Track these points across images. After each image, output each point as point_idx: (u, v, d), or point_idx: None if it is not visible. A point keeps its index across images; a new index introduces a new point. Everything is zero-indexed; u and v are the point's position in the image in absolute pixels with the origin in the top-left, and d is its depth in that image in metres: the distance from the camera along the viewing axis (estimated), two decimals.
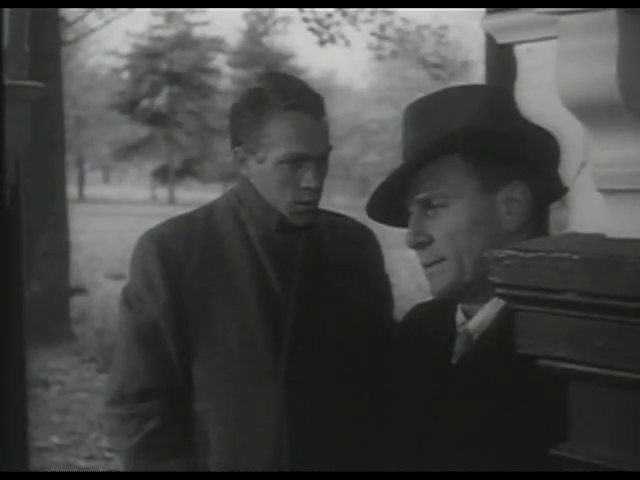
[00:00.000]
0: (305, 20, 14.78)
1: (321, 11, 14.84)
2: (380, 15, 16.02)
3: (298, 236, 2.29)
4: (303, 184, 2.23)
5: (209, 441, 2.27)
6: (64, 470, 6.15)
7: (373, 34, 16.18)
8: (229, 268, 2.28)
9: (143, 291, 2.29)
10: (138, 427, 2.26)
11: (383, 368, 2.10)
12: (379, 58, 18.50)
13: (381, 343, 2.19)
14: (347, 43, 15.34)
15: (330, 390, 2.25)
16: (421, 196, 1.72)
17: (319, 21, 14.78)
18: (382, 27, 16.17)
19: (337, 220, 2.46)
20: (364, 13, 15.68)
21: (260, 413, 2.23)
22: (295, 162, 2.22)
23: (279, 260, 2.28)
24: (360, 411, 2.21)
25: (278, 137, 2.22)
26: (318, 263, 2.32)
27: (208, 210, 2.37)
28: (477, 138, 1.70)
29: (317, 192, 2.26)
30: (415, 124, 1.76)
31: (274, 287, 2.27)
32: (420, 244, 1.73)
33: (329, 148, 2.29)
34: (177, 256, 2.28)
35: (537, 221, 1.73)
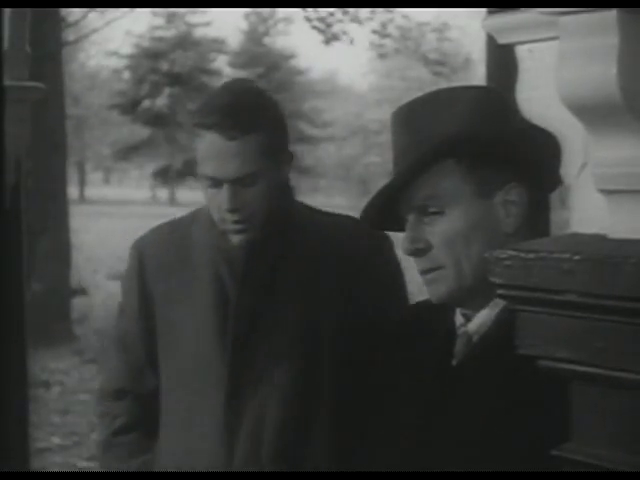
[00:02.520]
0: (308, 19, 14.82)
1: (323, 9, 14.90)
2: (381, 13, 16.04)
3: (258, 246, 2.23)
4: (223, 206, 2.16)
5: (161, 446, 2.31)
6: (65, 470, 6.15)
7: (374, 32, 16.20)
8: (195, 277, 2.27)
9: (125, 295, 2.37)
10: (109, 424, 2.37)
11: (352, 371, 2.11)
12: (381, 56, 18.50)
13: (358, 349, 2.16)
14: (351, 41, 15.38)
15: (280, 399, 2.20)
16: (417, 203, 1.70)
17: (322, 19, 14.83)
18: (383, 25, 16.19)
19: (332, 221, 2.34)
20: (365, 11, 15.70)
21: (202, 423, 2.23)
22: (211, 184, 2.16)
23: (236, 268, 2.23)
24: (315, 416, 2.21)
25: (198, 155, 2.17)
26: (282, 269, 2.24)
27: (192, 216, 2.37)
28: (470, 143, 1.68)
29: (242, 213, 2.16)
30: (405, 129, 1.73)
31: (229, 296, 2.23)
32: (418, 251, 1.71)
33: (250, 173, 2.14)
34: (152, 265, 2.32)
35: (535, 222, 1.72)
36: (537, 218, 1.74)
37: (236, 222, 2.17)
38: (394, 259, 2.33)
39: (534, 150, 1.56)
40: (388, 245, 2.32)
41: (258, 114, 2.17)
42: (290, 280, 2.25)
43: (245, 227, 2.18)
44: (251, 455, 2.19)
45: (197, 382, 2.24)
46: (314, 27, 14.89)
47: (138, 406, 2.34)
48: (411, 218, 1.71)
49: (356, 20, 15.35)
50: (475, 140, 1.68)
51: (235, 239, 2.21)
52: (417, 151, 1.69)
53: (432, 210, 1.69)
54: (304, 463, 2.20)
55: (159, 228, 2.40)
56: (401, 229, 1.76)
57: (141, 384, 2.33)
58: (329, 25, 14.95)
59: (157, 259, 2.32)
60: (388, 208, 1.75)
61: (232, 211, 2.15)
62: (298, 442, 2.21)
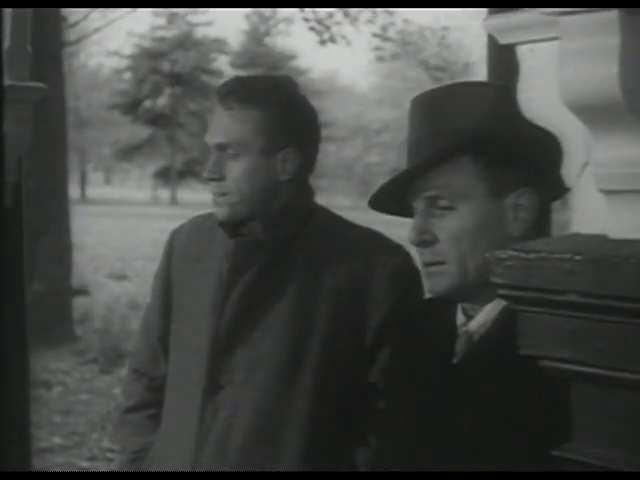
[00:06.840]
0: (305, 20, 14.79)
1: (322, 11, 14.87)
2: (382, 16, 15.99)
3: (256, 242, 2.21)
4: (206, 175, 2.24)
5: (160, 430, 2.34)
6: (66, 471, 6.15)
7: (375, 35, 16.17)
8: (207, 270, 2.28)
9: (154, 280, 2.43)
10: (125, 401, 2.47)
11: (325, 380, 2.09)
12: (380, 59, 18.47)
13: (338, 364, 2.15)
14: (348, 43, 15.34)
15: (254, 404, 2.17)
16: (428, 194, 1.71)
17: (320, 21, 14.79)
18: (384, 28, 16.15)
19: (351, 232, 2.26)
20: (366, 13, 15.66)
21: (184, 415, 2.23)
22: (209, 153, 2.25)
23: (233, 265, 2.23)
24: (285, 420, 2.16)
25: None
26: (278, 270, 2.20)
27: None
28: (488, 142, 1.69)
29: (222, 185, 2.19)
30: (424, 119, 1.74)
31: (224, 291, 2.22)
32: (424, 242, 1.72)
33: (233, 142, 2.18)
34: (179, 253, 2.36)
35: (541, 225, 1.73)
36: (545, 223, 1.74)
37: (217, 194, 2.21)
38: (405, 283, 2.18)
39: (546, 154, 1.56)
40: (403, 265, 2.20)
41: (262, 95, 2.20)
42: (286, 283, 2.19)
43: (224, 200, 2.20)
44: (215, 456, 2.17)
45: (188, 375, 2.25)
46: (311, 28, 14.82)
47: (150, 389, 2.39)
48: (420, 209, 1.72)
49: (356, 23, 15.30)
50: (494, 140, 1.69)
51: (218, 213, 2.23)
52: (435, 143, 1.70)
53: (442, 204, 1.70)
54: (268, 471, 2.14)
55: (196, 218, 2.45)
56: (406, 215, 1.76)
57: (155, 368, 2.39)
58: (327, 27, 14.89)
59: (184, 248, 2.36)
60: (397, 196, 1.75)
61: (211, 178, 2.21)
62: (264, 449, 2.16)
